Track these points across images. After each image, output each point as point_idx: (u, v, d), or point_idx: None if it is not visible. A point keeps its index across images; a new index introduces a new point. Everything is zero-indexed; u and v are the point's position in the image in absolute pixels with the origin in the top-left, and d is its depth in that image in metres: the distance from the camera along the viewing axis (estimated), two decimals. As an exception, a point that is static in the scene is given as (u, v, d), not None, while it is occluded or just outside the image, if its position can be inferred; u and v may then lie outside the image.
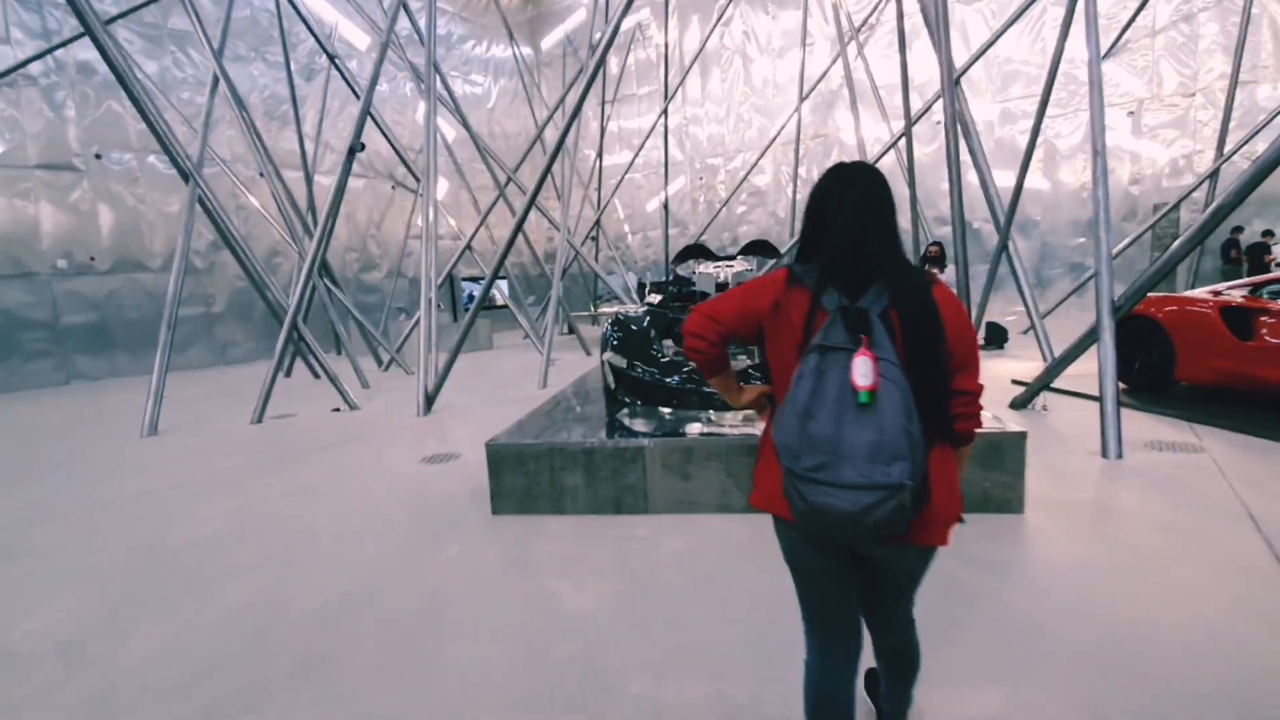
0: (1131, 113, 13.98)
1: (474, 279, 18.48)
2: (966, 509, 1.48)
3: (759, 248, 6.47)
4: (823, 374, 1.24)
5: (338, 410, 7.80)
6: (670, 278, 7.21)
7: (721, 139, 19.37)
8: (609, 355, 4.50)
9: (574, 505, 3.81)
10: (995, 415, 3.76)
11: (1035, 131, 9.25)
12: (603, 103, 17.96)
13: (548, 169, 7.28)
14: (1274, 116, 9.83)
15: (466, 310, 19.38)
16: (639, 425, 4.05)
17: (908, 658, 1.59)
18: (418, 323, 11.56)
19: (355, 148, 8.14)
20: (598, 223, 16.83)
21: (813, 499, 1.21)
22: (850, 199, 1.37)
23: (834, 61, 14.75)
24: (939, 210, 15.56)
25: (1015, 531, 3.28)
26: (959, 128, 13.55)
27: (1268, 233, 11.93)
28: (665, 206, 16.90)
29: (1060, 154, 14.92)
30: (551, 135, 19.94)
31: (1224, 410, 5.32)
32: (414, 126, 17.97)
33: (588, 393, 5.33)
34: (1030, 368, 8.21)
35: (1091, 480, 4.00)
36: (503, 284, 19.28)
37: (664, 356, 4.30)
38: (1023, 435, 3.46)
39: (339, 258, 16.87)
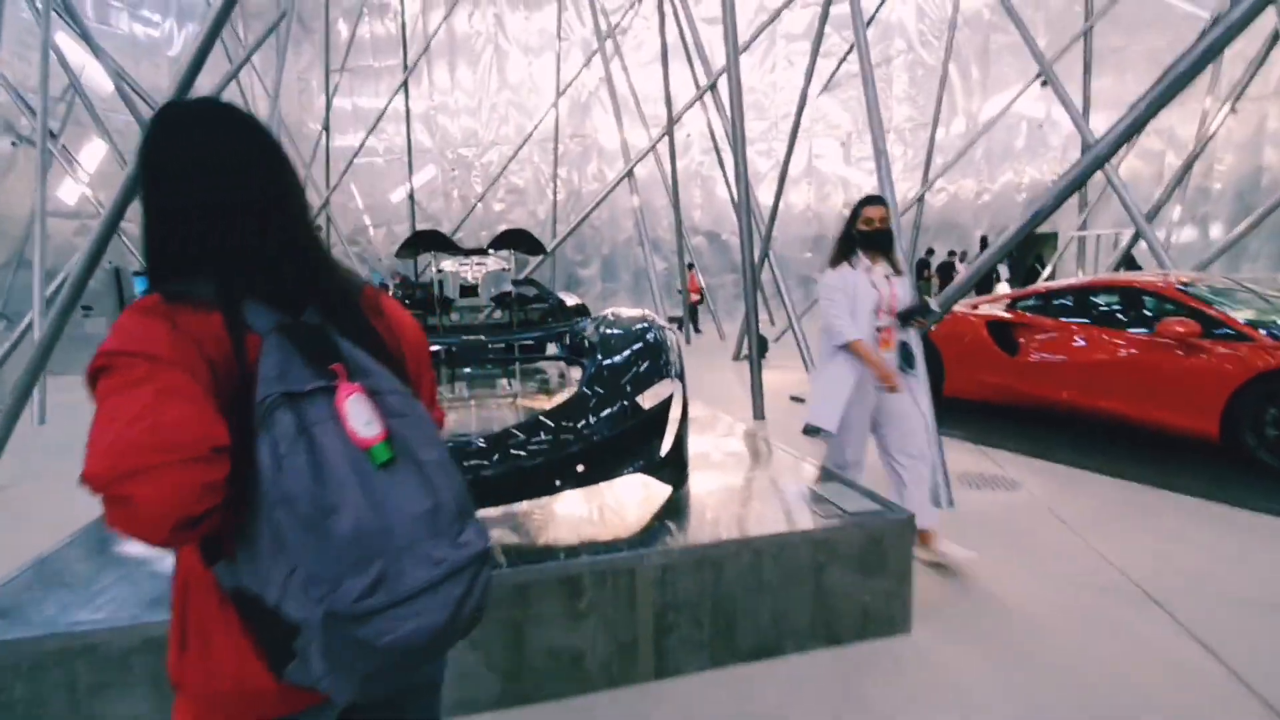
0: (844, 143, 15.17)
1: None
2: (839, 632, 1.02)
3: (517, 240, 4.80)
4: (311, 438, 0.71)
5: None
6: (391, 279, 5.23)
7: (475, 132, 17.28)
8: None
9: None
10: (773, 444, 2.59)
11: (789, 151, 9.03)
12: (327, 70, 14.67)
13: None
14: (964, 152, 10.86)
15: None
16: None
17: None
18: (22, 336, 7.78)
19: None
20: (323, 208, 13.58)
21: (388, 640, 0.70)
22: (256, 152, 0.86)
23: (590, 58, 13.62)
24: (691, 221, 15.44)
25: (910, 663, 2.09)
26: (714, 142, 13.44)
27: (954, 254, 13.61)
28: (411, 197, 14.29)
29: (789, 177, 15.68)
30: (266, 106, 15.96)
31: (998, 428, 5.00)
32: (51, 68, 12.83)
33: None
34: (797, 379, 7.77)
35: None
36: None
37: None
38: (907, 523, 2.29)
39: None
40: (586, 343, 3.02)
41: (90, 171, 13.35)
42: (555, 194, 15.42)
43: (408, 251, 4.73)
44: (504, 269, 5.61)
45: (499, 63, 17.16)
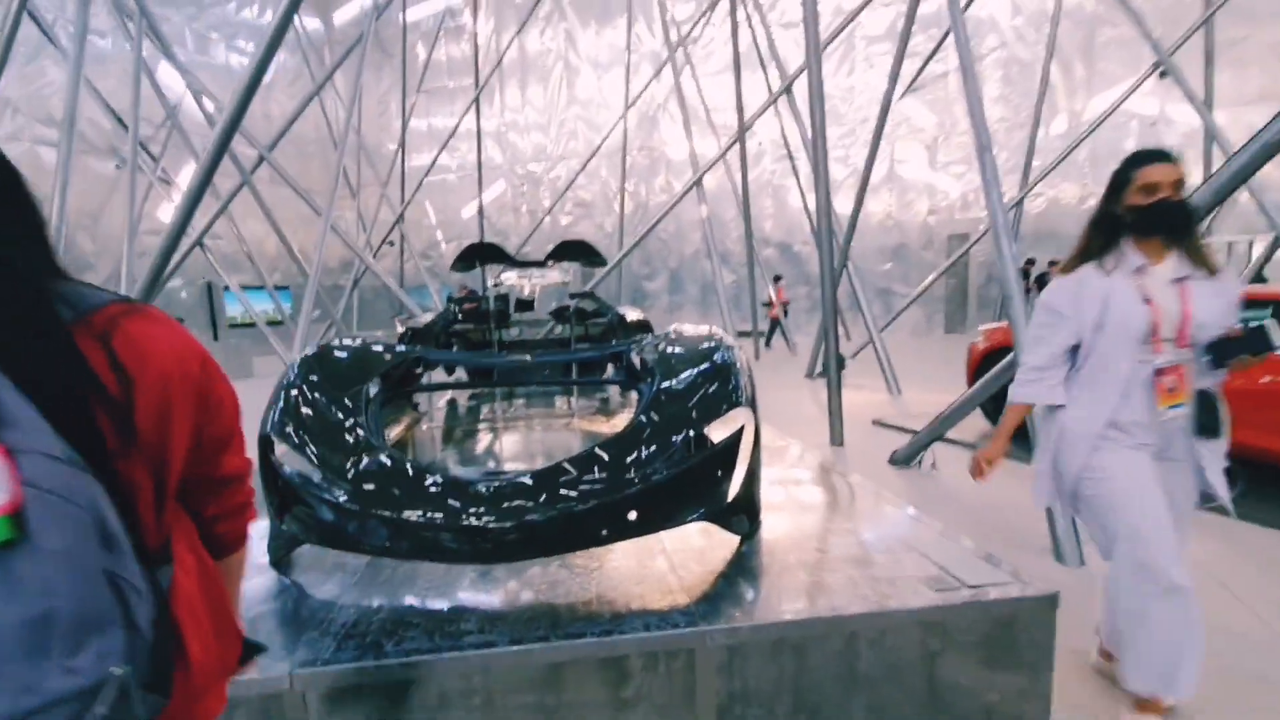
0: (928, 146, 14.28)
1: (253, 288, 14.57)
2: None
3: (576, 251, 4.51)
4: None
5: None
6: (459, 292, 5.07)
7: (544, 148, 17.44)
8: (274, 433, 2.23)
9: None
10: (860, 482, 2.11)
11: (872, 156, 8.45)
12: (404, 92, 15.13)
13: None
14: (1069, 152, 9.91)
15: (233, 329, 15.34)
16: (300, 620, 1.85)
17: None
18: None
19: None
20: (395, 224, 13.93)
21: None
22: None
23: (661, 68, 13.41)
24: (761, 232, 14.92)
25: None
26: (788, 149, 12.94)
27: (1055, 264, 12.47)
28: (480, 213, 14.49)
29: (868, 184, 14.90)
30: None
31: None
32: (149, 94, 13.81)
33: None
34: (879, 400, 7.14)
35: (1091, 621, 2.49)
36: (282, 296, 15.64)
37: (385, 451, 2.09)
38: (1051, 601, 1.78)
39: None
40: (645, 364, 2.66)
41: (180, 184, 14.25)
42: (622, 207, 15.25)
43: (463, 264, 4.53)
44: (563, 282, 5.35)
45: (569, 79, 17.28)
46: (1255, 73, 11.66)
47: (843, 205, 14.06)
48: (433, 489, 1.91)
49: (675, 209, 10.40)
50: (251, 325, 13.14)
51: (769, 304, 12.71)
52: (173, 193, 13.24)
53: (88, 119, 13.89)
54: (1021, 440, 5.14)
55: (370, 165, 15.46)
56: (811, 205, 13.39)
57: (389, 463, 2.03)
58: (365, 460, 2.04)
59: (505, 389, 5.04)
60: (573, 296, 4.92)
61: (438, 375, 5.01)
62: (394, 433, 3.67)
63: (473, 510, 1.80)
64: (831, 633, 1.68)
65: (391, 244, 15.39)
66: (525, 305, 4.96)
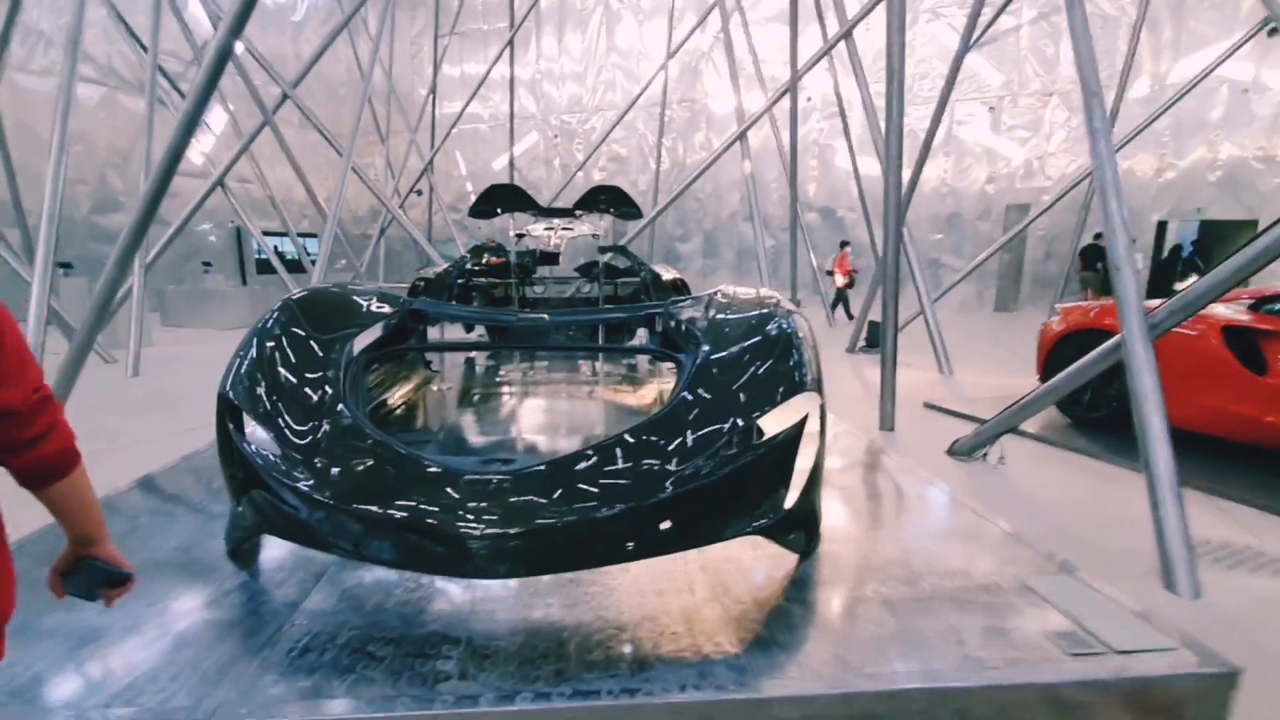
0: (992, 108, 13.22)
1: (277, 234, 14.34)
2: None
3: (608, 199, 4.01)
4: None
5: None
6: (488, 244, 4.59)
7: (580, 98, 16.69)
8: (233, 393, 1.83)
9: None
10: (929, 479, 1.64)
11: (938, 116, 7.69)
12: (436, 35, 14.48)
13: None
14: (1156, 117, 8.97)
15: (261, 274, 15.17)
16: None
17: None
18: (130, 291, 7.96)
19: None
20: (423, 173, 13.48)
21: None
22: None
23: (709, 13, 12.52)
24: (804, 195, 14.11)
25: None
26: (840, 106, 12.05)
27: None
28: (511, 164, 13.93)
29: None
30: (378, 76, 16.10)
31: (1239, 474, 3.71)
32: (179, 30, 13.44)
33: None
34: (929, 380, 6.57)
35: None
36: (310, 243, 15.41)
37: (364, 427, 1.68)
38: (1228, 680, 1.30)
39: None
40: (685, 330, 2.20)
41: (216, 134, 13.96)
42: (659, 162, 14.54)
43: (481, 209, 4.07)
44: (593, 235, 4.86)
45: (609, 26, 16.40)
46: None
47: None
48: (420, 479, 1.49)
49: (713, 169, 9.74)
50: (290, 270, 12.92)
51: (831, 273, 11.88)
52: (203, 132, 12.93)
53: (119, 53, 13.61)
54: (1098, 435, 4.60)
55: (400, 110, 14.95)
56: (863, 168, 12.53)
57: (368, 441, 1.61)
58: (338, 436, 1.63)
59: (525, 351, 4.63)
60: (603, 250, 4.44)
61: (455, 333, 4.61)
62: (400, 393, 3.28)
63: (469, 509, 1.39)
64: (935, 710, 1.24)
65: (419, 193, 14.96)
66: (549, 258, 4.51)
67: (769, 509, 1.64)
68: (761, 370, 1.80)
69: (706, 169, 8.99)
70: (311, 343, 1.95)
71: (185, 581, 1.67)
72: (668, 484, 1.48)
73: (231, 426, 1.73)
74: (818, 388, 1.79)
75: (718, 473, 1.52)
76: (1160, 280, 12.43)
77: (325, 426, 1.65)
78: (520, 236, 4.71)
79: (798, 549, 1.74)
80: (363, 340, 2.18)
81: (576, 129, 16.74)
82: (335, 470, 1.53)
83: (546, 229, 4.82)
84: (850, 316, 11.40)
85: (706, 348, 1.92)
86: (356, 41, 15.48)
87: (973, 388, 6.12)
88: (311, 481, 1.50)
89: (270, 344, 1.91)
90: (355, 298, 2.31)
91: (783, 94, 8.91)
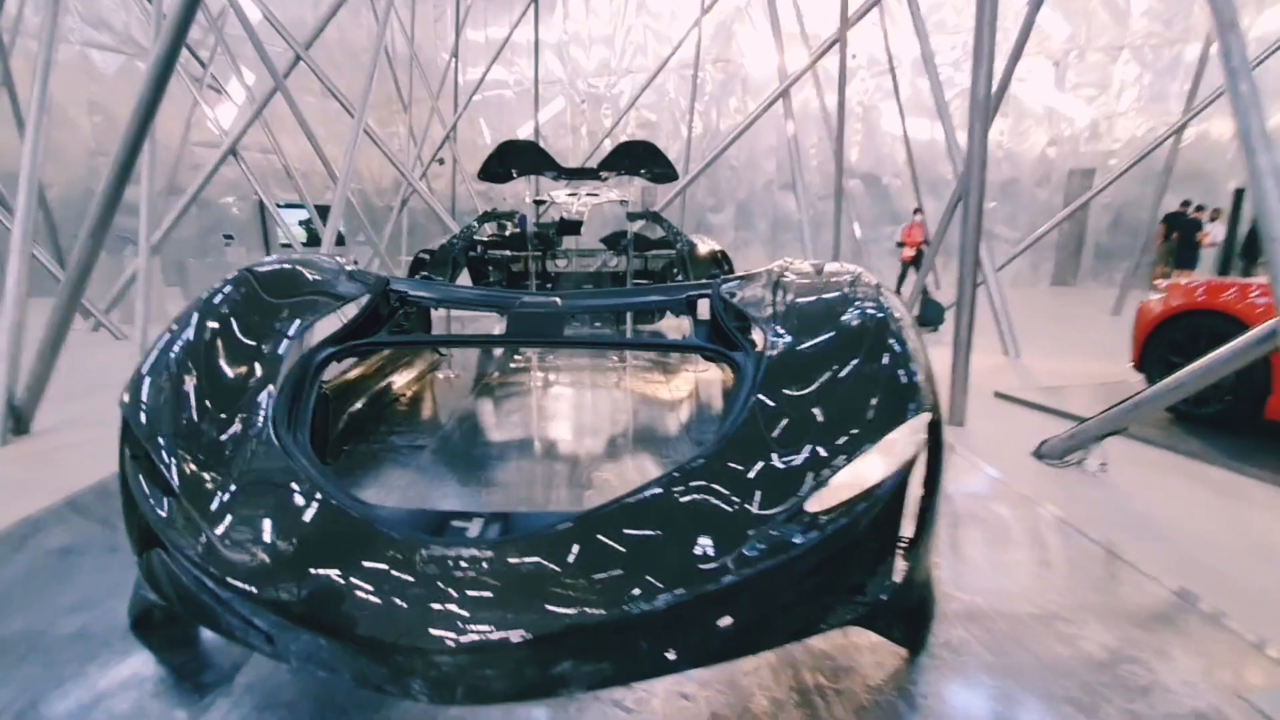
0: (1057, 63, 12.12)
1: (298, 205, 14.03)
2: None
3: (638, 158, 3.44)
4: None
5: None
6: (485, 215, 4.04)
7: (608, 63, 15.90)
8: (128, 410, 1.34)
9: None
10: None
11: (1009, 73, 6.84)
12: (459, -5, 13.80)
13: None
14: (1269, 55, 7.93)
15: (285, 247, 14.93)
16: None
17: None
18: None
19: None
20: (445, 141, 12.98)
21: None
22: None
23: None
24: (845, 162, 13.22)
25: None
26: (891, 63, 11.13)
27: (1190, 204, 10.51)
28: (536, 132, 13.33)
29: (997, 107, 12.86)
30: (402, 43, 15.54)
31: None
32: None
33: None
34: (994, 365, 5.91)
35: None
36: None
37: (302, 472, 1.18)
38: None
39: (79, 165, 11.97)
40: (740, 319, 1.67)
41: (238, 103, 13.60)
42: (690, 128, 13.78)
43: (494, 171, 3.55)
44: (621, 200, 4.31)
45: (638, -15, 15.52)
46: None
47: (938, 134, 12.17)
48: (368, 547, 1.02)
49: (747, 135, 9.02)
50: (308, 244, 12.66)
51: (902, 244, 10.86)
52: (219, 102, 12.61)
53: (138, 20, 13.30)
54: (1210, 434, 3.94)
55: (423, 77, 14.40)
56: (912, 131, 11.62)
57: (296, 488, 1.13)
58: (255, 480, 1.15)
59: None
60: (631, 218, 3.89)
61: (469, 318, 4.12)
62: (402, 381, 2.82)
63: (432, 608, 0.91)
64: None
65: (441, 162, 14.46)
66: (571, 227, 3.97)
67: (874, 588, 1.12)
68: (857, 379, 1.26)
69: (746, 129, 8.30)
70: (248, 337, 1.47)
71: (67, 662, 1.23)
72: (733, 561, 0.97)
73: (129, 453, 1.26)
74: (934, 411, 1.25)
75: (806, 539, 1.01)
76: (1252, 252, 11.38)
77: (243, 462, 1.17)
78: (540, 203, 4.19)
79: (906, 644, 1.22)
80: (330, 327, 1.70)
81: (605, 94, 16.00)
82: (243, 532, 1.05)
83: (570, 194, 4.28)
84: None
85: (774, 346, 1.38)
86: (377, 5, 14.89)
87: (1045, 374, 5.46)
88: (204, 546, 1.03)
89: (194, 335, 1.44)
90: (322, 275, 1.82)
91: (830, 46, 8.10)
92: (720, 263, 3.64)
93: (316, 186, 14.07)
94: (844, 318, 1.44)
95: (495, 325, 3.52)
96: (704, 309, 1.83)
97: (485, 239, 4.05)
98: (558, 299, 1.81)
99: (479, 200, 15.48)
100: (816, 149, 13.31)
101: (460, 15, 13.91)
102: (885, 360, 1.32)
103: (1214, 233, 10.46)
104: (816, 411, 1.22)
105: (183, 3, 3.29)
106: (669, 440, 2.48)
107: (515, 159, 3.47)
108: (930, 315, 7.61)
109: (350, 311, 1.83)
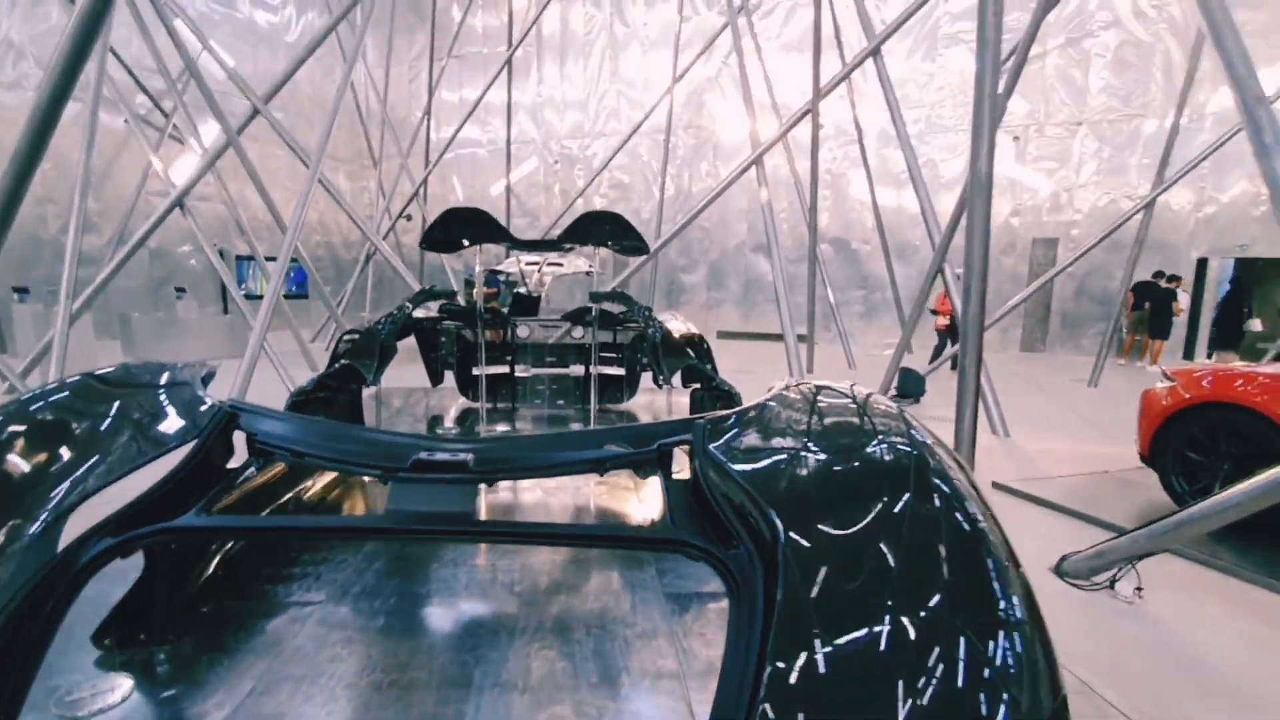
0: (1017, 138, 12.34)
1: (267, 258, 13.35)
2: None
3: (605, 229, 2.99)
4: None
5: None
6: (422, 292, 3.51)
7: (581, 125, 15.88)
8: None
9: None
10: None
11: (990, 155, 6.71)
12: (432, 54, 13.71)
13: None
14: (1214, 150, 8.04)
15: (252, 300, 14.17)
16: None
17: None
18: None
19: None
20: (413, 197, 12.57)
21: None
22: None
23: (719, 33, 11.72)
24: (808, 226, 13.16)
25: None
26: (859, 132, 11.18)
27: (1162, 275, 10.52)
28: (509, 190, 13.03)
29: (941, 180, 13.00)
30: (372, 97, 15.31)
31: None
32: (166, 47, 12.66)
33: None
34: (984, 444, 5.47)
35: None
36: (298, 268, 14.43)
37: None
38: None
39: (26, 211, 11.22)
40: (734, 493, 1.14)
41: (200, 151, 13.08)
42: (663, 190, 13.65)
43: (438, 240, 3.04)
44: (587, 272, 3.84)
45: (613, 53, 15.66)
46: None
47: (907, 201, 12.19)
48: None
49: (720, 198, 8.81)
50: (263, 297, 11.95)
51: (936, 312, 9.56)
52: (182, 153, 12.09)
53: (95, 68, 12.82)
54: (1241, 543, 3.50)
55: (392, 131, 14.11)
56: (880, 199, 11.61)
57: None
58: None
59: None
60: (595, 297, 3.39)
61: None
62: (308, 490, 2.20)
63: None
64: None
65: (409, 218, 14.03)
66: (527, 306, 3.45)
67: None
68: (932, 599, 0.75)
69: (717, 196, 8.04)
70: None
71: None
72: None
73: None
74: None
75: None
76: (1229, 323, 11.48)
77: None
78: (497, 275, 3.68)
79: None
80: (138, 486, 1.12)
81: (578, 155, 15.90)
82: None
83: (530, 264, 3.80)
84: (954, 368, 9.78)
85: (792, 542, 0.87)
86: (345, 64, 14.70)
87: (1041, 457, 5.04)
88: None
89: None
90: (133, 403, 1.25)
91: (801, 116, 7.98)
92: (697, 348, 3.15)
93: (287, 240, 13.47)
94: (889, 500, 0.94)
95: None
96: (686, 463, 1.29)
97: (433, 314, 3.50)
98: (469, 454, 1.23)
99: (450, 258, 15.03)
100: (787, 213, 13.25)
101: (434, 76, 13.78)
102: (973, 563, 0.83)
103: (1181, 300, 10.49)
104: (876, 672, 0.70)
105: (73, 39, 2.81)
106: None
107: (462, 227, 2.98)
108: (910, 387, 7.19)
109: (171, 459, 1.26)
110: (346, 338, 2.73)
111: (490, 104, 15.05)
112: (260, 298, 13.18)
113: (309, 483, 2.16)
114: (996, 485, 4.32)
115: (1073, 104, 11.92)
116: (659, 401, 4.53)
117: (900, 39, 12.20)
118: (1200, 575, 3.06)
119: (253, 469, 1.41)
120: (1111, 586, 2.83)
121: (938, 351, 9.32)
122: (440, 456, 1.20)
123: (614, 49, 15.64)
